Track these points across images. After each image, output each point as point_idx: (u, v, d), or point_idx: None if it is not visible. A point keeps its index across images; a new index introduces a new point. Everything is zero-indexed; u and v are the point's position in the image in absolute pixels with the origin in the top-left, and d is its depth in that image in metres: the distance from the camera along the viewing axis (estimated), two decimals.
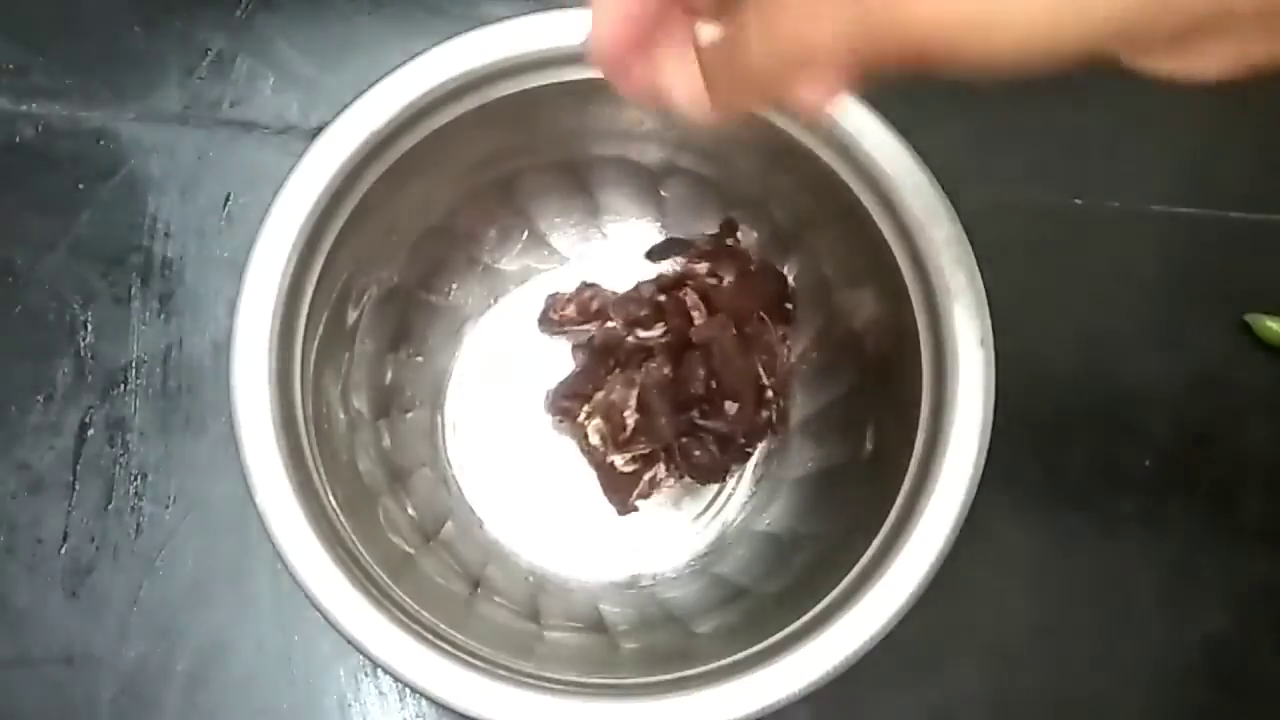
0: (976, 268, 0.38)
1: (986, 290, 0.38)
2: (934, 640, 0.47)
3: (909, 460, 0.39)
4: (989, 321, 0.38)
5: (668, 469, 0.47)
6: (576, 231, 0.50)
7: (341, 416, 0.43)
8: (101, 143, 0.51)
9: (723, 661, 0.37)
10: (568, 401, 0.48)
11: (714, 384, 0.46)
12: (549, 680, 0.36)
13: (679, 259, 0.49)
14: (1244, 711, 0.49)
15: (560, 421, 0.48)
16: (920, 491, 0.37)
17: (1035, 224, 0.52)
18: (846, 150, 0.40)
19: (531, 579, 0.47)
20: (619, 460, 0.46)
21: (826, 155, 0.40)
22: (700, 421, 0.46)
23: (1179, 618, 0.49)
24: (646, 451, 0.46)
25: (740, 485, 0.48)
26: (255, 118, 0.52)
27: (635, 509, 0.47)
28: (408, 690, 0.46)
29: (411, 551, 0.43)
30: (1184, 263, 0.52)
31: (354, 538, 0.38)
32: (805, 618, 0.37)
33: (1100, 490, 0.50)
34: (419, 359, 0.48)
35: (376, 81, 0.39)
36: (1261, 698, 0.49)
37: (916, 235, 0.39)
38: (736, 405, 0.46)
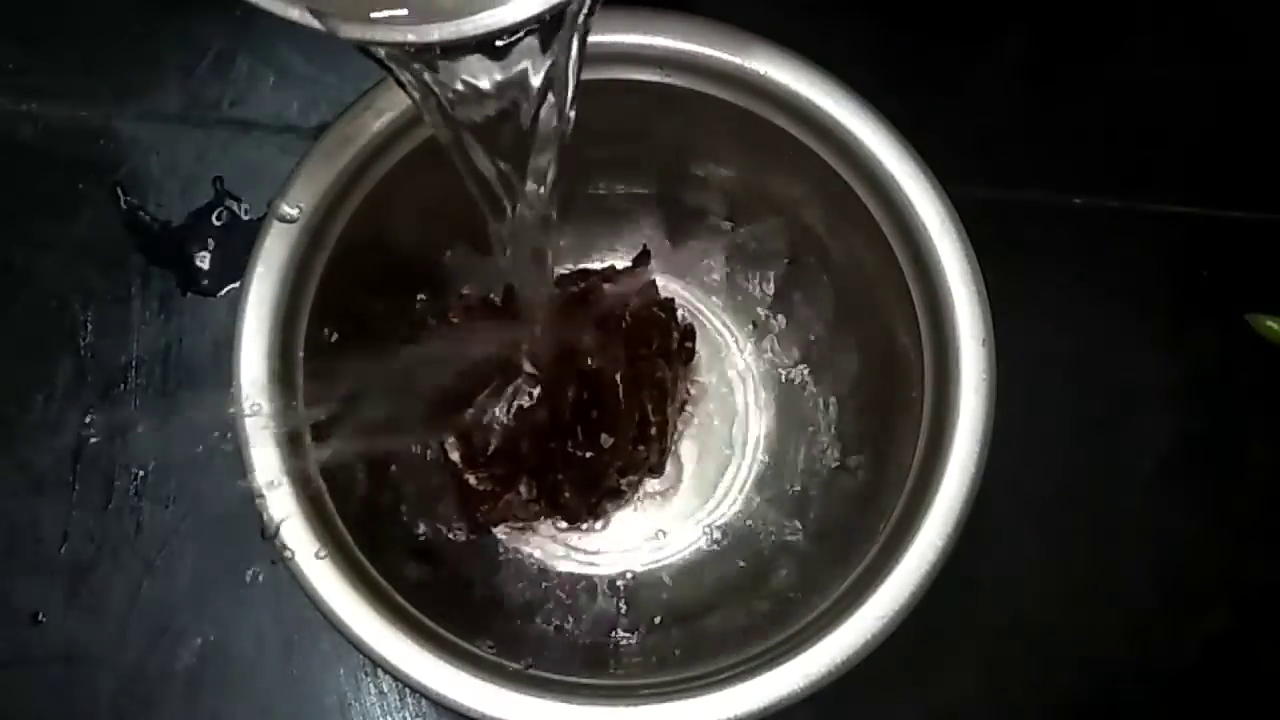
0: (977, 267, 0.38)
1: (987, 290, 0.38)
2: (934, 640, 0.47)
3: (910, 460, 0.39)
4: (990, 321, 0.38)
5: (529, 493, 0.46)
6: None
7: (344, 419, 0.43)
8: (101, 143, 0.51)
9: (725, 662, 0.37)
10: (439, 415, 0.46)
11: (594, 414, 0.45)
12: (551, 681, 0.36)
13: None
14: (1244, 711, 0.49)
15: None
16: (922, 492, 0.37)
17: (1035, 224, 0.52)
18: (847, 149, 0.40)
19: (533, 579, 0.47)
20: (472, 479, 0.45)
21: (827, 154, 0.40)
22: (571, 450, 0.45)
23: (1179, 618, 0.49)
24: (502, 473, 0.45)
25: (742, 486, 0.48)
26: (255, 117, 0.52)
27: (487, 531, 0.46)
28: (408, 690, 0.46)
29: (411, 552, 0.43)
30: (1184, 263, 0.52)
31: (354, 539, 0.38)
32: (808, 618, 0.37)
33: (1100, 490, 0.50)
34: (421, 360, 0.48)
35: (378, 81, 0.39)
36: (1261, 698, 0.49)
37: (917, 235, 0.39)
38: (612, 439, 0.45)
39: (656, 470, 0.47)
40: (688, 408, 0.49)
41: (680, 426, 0.48)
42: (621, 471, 0.46)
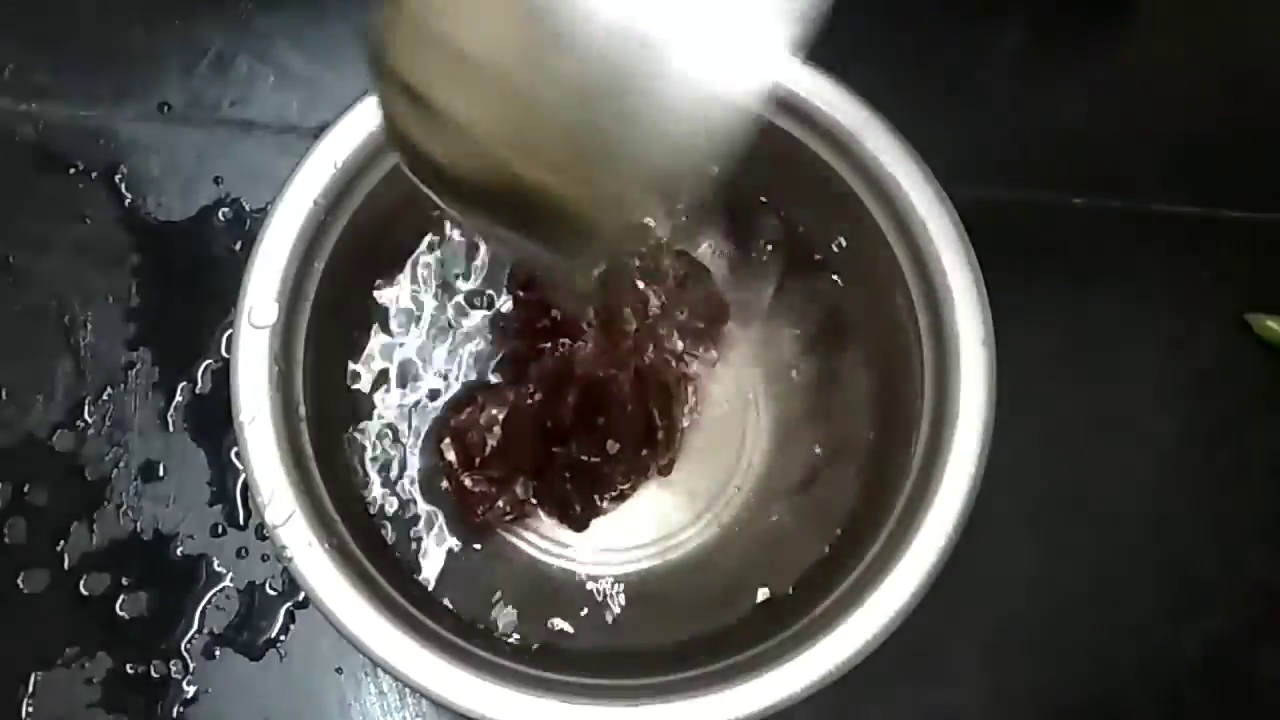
0: (977, 267, 0.38)
1: (987, 290, 0.38)
2: (934, 640, 0.47)
3: (910, 461, 0.39)
4: (990, 321, 0.38)
5: (525, 493, 0.45)
6: None
7: (344, 419, 0.43)
8: (101, 142, 0.51)
9: (726, 662, 0.37)
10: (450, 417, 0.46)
11: (600, 420, 0.44)
12: (551, 681, 0.36)
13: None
14: (1244, 711, 0.49)
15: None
16: (922, 492, 0.37)
17: (1035, 224, 0.52)
18: (847, 149, 0.40)
19: (532, 577, 0.47)
20: (468, 480, 0.45)
21: (827, 154, 0.40)
22: (576, 456, 0.45)
23: (1179, 618, 0.49)
24: (498, 475, 0.45)
25: (743, 485, 0.48)
26: (255, 117, 0.52)
27: (486, 535, 0.46)
28: (408, 690, 0.46)
29: (410, 551, 0.43)
30: (1184, 263, 0.52)
31: (354, 539, 0.38)
32: (808, 618, 0.37)
33: (1100, 490, 0.50)
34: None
35: None
36: (1261, 698, 0.49)
37: (917, 234, 0.39)
38: (618, 445, 0.45)
39: (664, 472, 0.47)
40: (690, 408, 0.49)
41: (684, 426, 0.48)
42: (626, 475, 0.46)
